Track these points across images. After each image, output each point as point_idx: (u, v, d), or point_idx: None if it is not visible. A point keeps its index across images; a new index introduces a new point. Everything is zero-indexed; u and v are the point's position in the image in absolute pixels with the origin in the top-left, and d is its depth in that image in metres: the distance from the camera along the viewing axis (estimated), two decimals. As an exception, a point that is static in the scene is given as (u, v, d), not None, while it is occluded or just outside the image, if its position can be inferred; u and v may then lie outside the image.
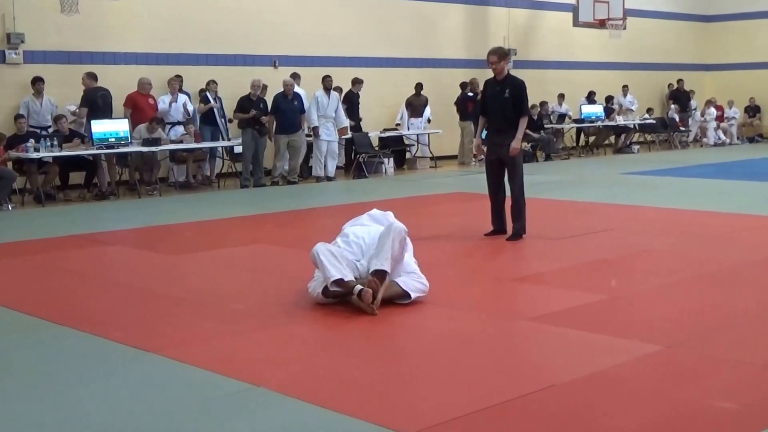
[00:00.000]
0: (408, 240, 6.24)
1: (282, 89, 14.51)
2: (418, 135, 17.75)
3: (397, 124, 17.76)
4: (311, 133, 15.22)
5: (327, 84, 15.03)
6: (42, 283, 7.10)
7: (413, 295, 5.88)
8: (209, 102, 14.67)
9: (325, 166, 15.09)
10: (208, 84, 14.78)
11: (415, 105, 17.70)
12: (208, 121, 14.73)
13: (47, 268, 7.66)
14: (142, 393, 4.35)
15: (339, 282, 5.68)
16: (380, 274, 5.72)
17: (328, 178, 15.06)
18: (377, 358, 4.98)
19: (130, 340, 5.19)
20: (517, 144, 8.38)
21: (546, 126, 19.03)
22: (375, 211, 6.53)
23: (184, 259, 8.04)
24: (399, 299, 5.85)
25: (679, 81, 23.34)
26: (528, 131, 17.18)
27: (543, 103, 19.25)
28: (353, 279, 5.74)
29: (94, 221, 10.69)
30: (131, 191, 13.50)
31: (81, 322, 5.66)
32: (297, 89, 14.89)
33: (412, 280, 5.95)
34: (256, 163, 14.34)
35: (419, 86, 17.74)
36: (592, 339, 5.11)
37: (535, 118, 18.43)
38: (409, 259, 6.11)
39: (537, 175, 14.45)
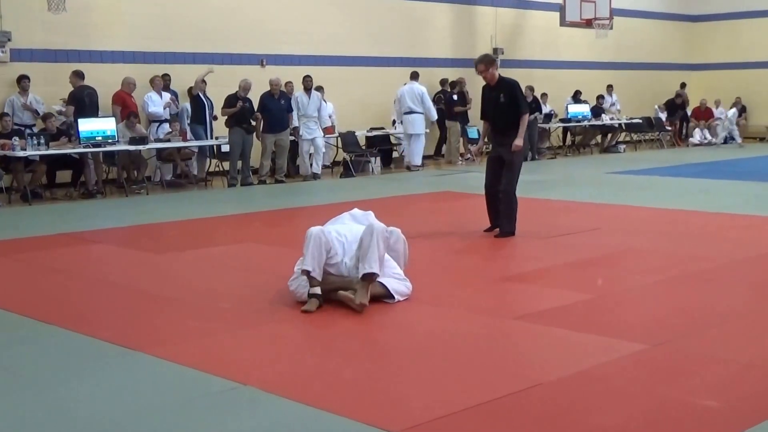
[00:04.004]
0: (404, 239, 6.36)
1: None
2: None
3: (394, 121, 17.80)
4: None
5: (307, 84, 15.10)
6: (29, 281, 7.08)
7: (397, 297, 5.95)
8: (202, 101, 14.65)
9: (311, 164, 15.15)
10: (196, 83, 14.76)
11: None
12: (198, 119, 14.69)
13: (34, 266, 7.64)
14: (129, 392, 4.35)
15: (307, 274, 5.78)
16: (371, 277, 5.78)
17: (314, 176, 15.09)
18: (364, 357, 5.00)
19: (117, 339, 5.19)
20: (520, 141, 8.52)
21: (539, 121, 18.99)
22: (356, 211, 6.57)
23: (171, 258, 8.03)
24: (382, 298, 5.93)
25: (682, 86, 23.37)
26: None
27: (543, 95, 19.34)
28: (319, 279, 5.80)
29: (81, 220, 10.65)
30: (118, 189, 13.47)
31: (68, 321, 5.66)
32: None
33: (398, 282, 6.02)
34: (244, 161, 14.32)
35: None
36: (578, 338, 5.14)
37: (530, 99, 18.51)
38: (392, 260, 6.16)
39: (524, 175, 14.37)
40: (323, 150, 15.55)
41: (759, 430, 3.73)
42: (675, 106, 23.09)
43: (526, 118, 8.61)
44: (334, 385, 4.39)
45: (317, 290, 5.78)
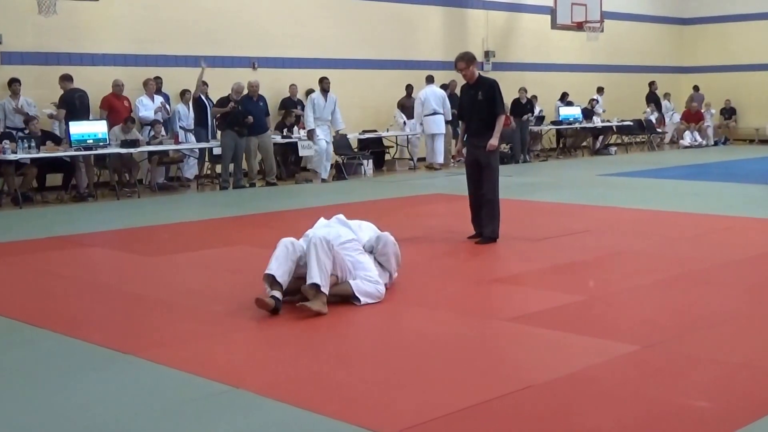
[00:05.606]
0: (393, 241, 6.37)
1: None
2: (397, 137, 17.79)
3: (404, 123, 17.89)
4: (287, 135, 15.32)
5: (324, 86, 15.03)
6: (20, 285, 7.06)
7: (362, 300, 5.96)
8: (203, 103, 14.65)
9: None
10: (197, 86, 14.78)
11: (407, 106, 17.74)
12: (202, 123, 14.68)
13: (25, 270, 7.62)
14: (121, 395, 4.34)
15: (269, 278, 5.84)
16: (314, 287, 5.75)
17: (323, 180, 15.07)
18: (357, 360, 5.00)
19: (110, 342, 5.19)
20: (495, 141, 8.41)
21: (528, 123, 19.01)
22: (340, 216, 6.66)
23: (164, 261, 8.03)
24: (348, 298, 5.98)
25: (652, 83, 23.45)
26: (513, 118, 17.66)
27: (533, 97, 19.48)
28: (282, 285, 5.82)
29: (72, 223, 10.64)
30: (110, 193, 13.44)
31: (60, 325, 5.65)
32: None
33: (367, 284, 6.03)
34: (236, 164, 14.30)
35: (410, 88, 17.85)
36: (569, 339, 5.15)
37: (524, 101, 18.58)
38: (369, 263, 6.20)
39: (515, 177, 14.53)
40: (331, 157, 15.48)
41: (750, 430, 3.75)
42: (651, 96, 23.13)
43: (502, 119, 8.52)
44: (326, 387, 4.40)
45: (277, 294, 5.78)
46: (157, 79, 14.69)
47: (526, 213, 10.52)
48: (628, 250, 8.13)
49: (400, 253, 6.48)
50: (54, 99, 13.33)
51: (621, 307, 6.07)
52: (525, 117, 18.58)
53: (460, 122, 8.98)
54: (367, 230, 6.56)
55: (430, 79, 17.30)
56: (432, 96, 16.98)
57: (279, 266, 5.85)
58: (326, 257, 5.81)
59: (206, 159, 15.03)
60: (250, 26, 16.16)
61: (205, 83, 14.62)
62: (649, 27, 24.85)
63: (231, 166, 14.29)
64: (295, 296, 5.86)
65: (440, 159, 17.10)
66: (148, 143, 13.72)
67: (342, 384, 4.47)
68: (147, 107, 14.40)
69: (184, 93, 15.02)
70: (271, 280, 5.85)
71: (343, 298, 5.96)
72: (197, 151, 14.75)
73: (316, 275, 5.73)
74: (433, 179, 15.31)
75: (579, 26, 20.83)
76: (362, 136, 16.98)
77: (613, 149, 21.43)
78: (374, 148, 17.15)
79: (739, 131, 24.56)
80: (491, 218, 8.48)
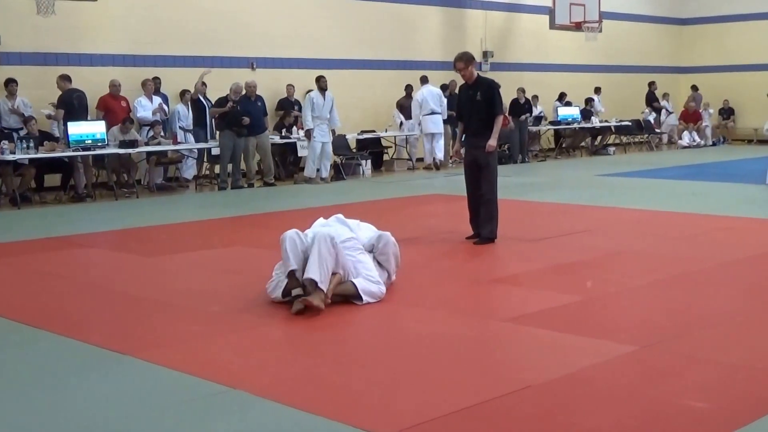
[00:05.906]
0: (393, 241, 6.39)
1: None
2: (395, 137, 17.79)
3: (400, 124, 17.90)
4: (284, 135, 15.31)
5: (322, 84, 15.00)
6: (18, 285, 7.05)
7: (365, 299, 5.98)
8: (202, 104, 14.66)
9: (318, 167, 15.11)
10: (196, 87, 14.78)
11: (406, 106, 17.76)
12: (201, 123, 14.69)
13: (23, 270, 7.62)
14: (119, 396, 4.34)
15: (292, 274, 5.84)
16: (311, 283, 5.76)
17: (322, 179, 15.05)
18: (354, 360, 5.00)
19: (108, 343, 5.18)
20: (494, 141, 8.40)
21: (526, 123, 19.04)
22: (339, 215, 6.68)
23: (162, 261, 8.02)
24: (351, 298, 5.99)
25: (651, 83, 23.43)
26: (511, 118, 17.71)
27: (534, 97, 19.52)
28: (299, 281, 5.86)
29: (70, 223, 10.63)
30: (108, 193, 13.43)
31: (58, 325, 5.64)
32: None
33: (369, 283, 6.05)
34: (234, 164, 14.30)
35: (409, 88, 17.86)
36: (568, 340, 5.15)
37: (522, 102, 18.61)
38: (369, 263, 6.22)
39: (513, 177, 14.53)
40: (331, 157, 15.49)
41: (749, 430, 3.75)
42: (651, 97, 23.13)
43: (500, 120, 8.51)
44: (324, 388, 4.39)
45: (301, 291, 5.81)
46: (156, 80, 14.70)
47: (524, 213, 10.52)
48: (627, 250, 8.13)
49: (399, 254, 6.49)
50: (52, 99, 13.32)
51: (619, 308, 6.08)
52: (523, 117, 18.62)
53: (458, 122, 8.98)
54: (365, 230, 6.58)
55: (424, 80, 17.34)
56: (430, 96, 17.07)
57: (297, 261, 5.88)
58: (329, 254, 5.84)
59: (205, 159, 15.04)
60: (248, 27, 16.15)
61: (204, 84, 14.62)
62: (647, 27, 24.86)
63: (229, 167, 14.29)
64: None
65: (440, 155, 17.18)
66: (147, 144, 13.72)
67: (341, 384, 4.47)
68: (145, 108, 14.40)
69: (183, 93, 15.03)
70: (293, 276, 5.86)
71: (344, 297, 5.97)
72: (196, 151, 14.76)
73: (315, 270, 5.75)
74: (432, 179, 15.32)
75: (577, 26, 20.85)
76: (361, 137, 16.99)
77: (611, 149, 21.43)
78: (373, 149, 17.17)
79: (737, 131, 24.58)
80: (489, 218, 8.47)
